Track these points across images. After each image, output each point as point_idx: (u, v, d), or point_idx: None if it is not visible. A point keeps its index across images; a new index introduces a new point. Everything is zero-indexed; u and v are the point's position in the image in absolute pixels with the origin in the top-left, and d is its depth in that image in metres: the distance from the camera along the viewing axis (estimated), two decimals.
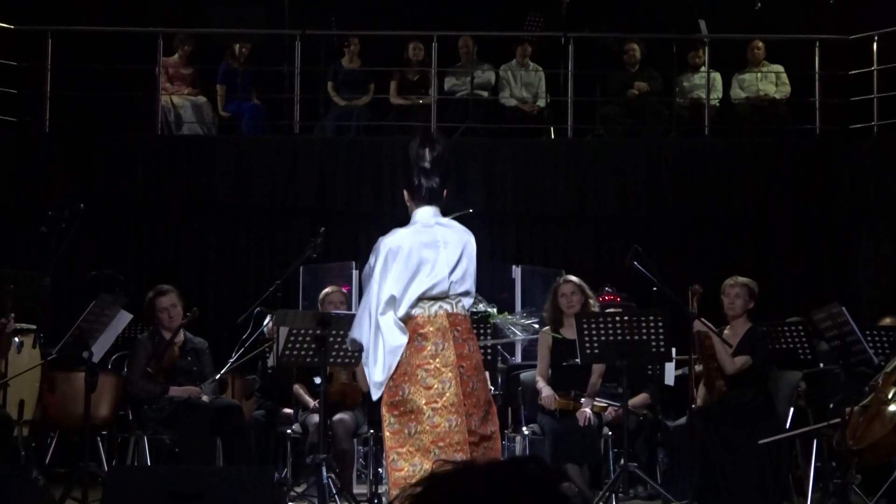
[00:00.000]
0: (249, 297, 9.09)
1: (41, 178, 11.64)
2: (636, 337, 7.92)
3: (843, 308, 7.80)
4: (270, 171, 11.77)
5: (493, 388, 8.67)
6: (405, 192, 5.82)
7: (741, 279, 8.40)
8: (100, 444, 9.21)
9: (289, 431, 8.74)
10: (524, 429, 8.71)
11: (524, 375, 8.96)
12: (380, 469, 8.31)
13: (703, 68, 12.38)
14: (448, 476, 1.43)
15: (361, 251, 10.57)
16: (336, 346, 7.66)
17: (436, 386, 5.29)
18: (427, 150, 5.65)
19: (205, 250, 11.72)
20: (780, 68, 12.47)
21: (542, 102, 12.48)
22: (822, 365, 8.70)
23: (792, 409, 8.39)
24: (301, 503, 7.89)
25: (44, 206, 8.74)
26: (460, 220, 5.82)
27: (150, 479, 5.58)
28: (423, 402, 5.28)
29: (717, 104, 12.37)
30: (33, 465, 7.01)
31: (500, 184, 11.77)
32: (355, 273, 9.90)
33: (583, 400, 8.38)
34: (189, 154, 11.81)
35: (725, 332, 8.32)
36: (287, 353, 7.88)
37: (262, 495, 5.19)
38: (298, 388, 8.58)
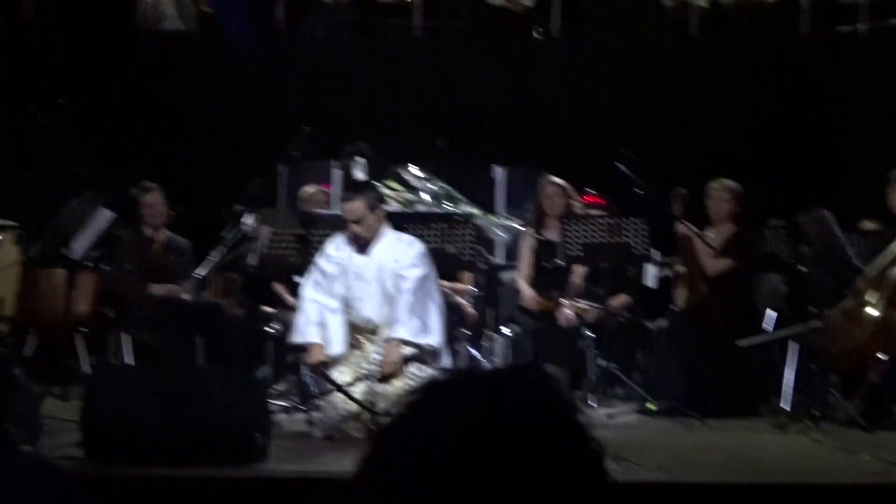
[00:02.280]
0: (232, 195, 9.00)
1: (21, 71, 11.43)
2: (619, 239, 7.91)
3: (827, 212, 7.79)
4: (254, 68, 11.61)
5: (475, 291, 8.69)
6: (382, 207, 6.97)
7: (726, 182, 8.38)
8: (80, 341, 9.17)
9: (269, 329, 8.73)
10: (505, 329, 8.72)
11: (505, 276, 8.96)
12: None
13: None
14: (447, 384, 1.40)
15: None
16: (316, 245, 7.63)
17: None
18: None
19: (188, 148, 11.59)
20: None
21: (529, 1, 12.31)
22: (803, 269, 8.69)
23: (773, 313, 8.41)
24: (282, 401, 7.89)
25: (25, 102, 8.61)
26: None
27: (134, 378, 5.57)
28: None
29: (706, 5, 12.22)
30: (13, 361, 6.99)
31: (484, 83, 11.66)
32: (336, 172, 9.82)
33: (564, 301, 8.38)
34: (171, 51, 11.63)
35: (709, 234, 8.31)
36: (269, 251, 7.86)
37: (244, 395, 5.18)
38: (278, 286, 8.56)
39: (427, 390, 1.39)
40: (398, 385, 6.70)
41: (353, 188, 7.20)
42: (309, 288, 7.09)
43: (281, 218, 8.01)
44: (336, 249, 7.09)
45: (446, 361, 7.09)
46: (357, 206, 6.94)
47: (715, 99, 11.66)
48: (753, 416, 7.70)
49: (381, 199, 7.23)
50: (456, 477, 1.26)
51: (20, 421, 5.27)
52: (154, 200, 8.53)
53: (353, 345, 7.04)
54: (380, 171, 7.18)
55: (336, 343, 6.95)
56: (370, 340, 6.96)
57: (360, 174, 6.97)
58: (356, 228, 6.94)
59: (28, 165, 7.44)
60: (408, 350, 6.82)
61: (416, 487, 1.26)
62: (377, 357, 6.84)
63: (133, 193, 8.57)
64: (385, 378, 6.75)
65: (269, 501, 4.68)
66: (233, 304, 9.35)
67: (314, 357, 6.97)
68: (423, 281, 6.87)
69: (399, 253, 6.95)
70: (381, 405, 6.52)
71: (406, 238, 7.06)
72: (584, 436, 1.38)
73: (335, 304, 6.99)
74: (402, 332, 6.77)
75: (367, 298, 6.98)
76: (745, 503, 4.66)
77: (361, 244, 6.99)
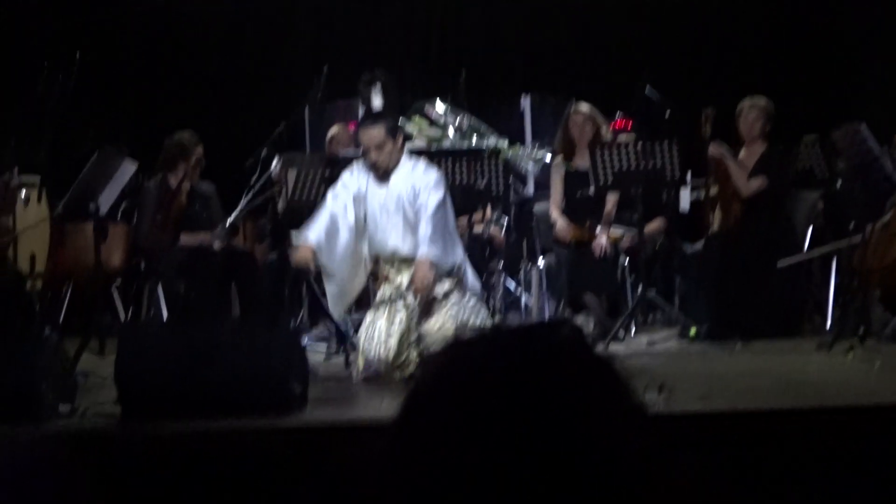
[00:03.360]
0: (258, 141, 8.92)
1: (35, 23, 11.34)
2: (650, 164, 7.79)
3: (863, 126, 7.63)
4: (271, 9, 11.49)
5: (506, 218, 8.60)
6: (401, 135, 6.74)
7: (758, 100, 8.23)
8: (115, 294, 9.17)
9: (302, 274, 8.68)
10: (540, 261, 8.64)
11: (538, 207, 8.86)
12: None
13: None
14: (473, 342, 1.32)
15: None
16: None
17: None
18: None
19: (208, 94, 11.51)
20: None
21: None
22: (840, 184, 8.55)
23: (810, 230, 8.29)
24: (318, 344, 7.86)
25: (41, 57, 8.52)
26: None
27: (164, 332, 5.53)
28: None
29: None
30: (46, 321, 6.97)
31: (504, 9, 11.48)
32: (361, 110, 9.72)
33: (598, 229, 8.28)
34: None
35: (741, 154, 8.19)
36: (296, 195, 7.78)
37: (277, 343, 5.13)
38: None
39: (452, 350, 1.33)
40: (439, 321, 6.58)
41: (372, 115, 6.98)
42: (329, 197, 6.97)
43: (307, 161, 7.92)
44: (352, 176, 6.93)
45: (477, 288, 6.94)
46: (376, 132, 6.74)
47: (742, 12, 11.44)
48: (796, 337, 7.60)
49: (400, 126, 7.00)
50: (485, 438, 1.19)
51: (56, 381, 5.25)
52: (201, 153, 8.47)
53: (380, 276, 6.94)
54: (398, 98, 6.98)
55: (340, 260, 6.83)
56: (399, 270, 6.81)
57: (378, 102, 6.77)
58: (375, 155, 6.73)
59: (47, 121, 7.35)
60: (441, 288, 6.71)
61: (445, 450, 1.20)
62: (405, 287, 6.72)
63: (172, 143, 8.47)
64: (424, 310, 6.62)
65: (309, 450, 4.64)
66: (264, 249, 9.30)
67: (300, 256, 6.83)
68: (441, 206, 6.70)
69: (416, 180, 6.76)
70: (427, 343, 6.43)
71: (421, 165, 6.89)
72: (622, 389, 1.31)
73: (351, 220, 6.85)
74: (427, 253, 6.61)
75: (391, 228, 6.80)
76: (791, 429, 4.58)
77: (380, 173, 6.81)
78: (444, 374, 1.27)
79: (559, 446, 1.19)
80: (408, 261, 6.75)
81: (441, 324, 6.54)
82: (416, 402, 1.26)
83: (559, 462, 1.18)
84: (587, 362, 1.29)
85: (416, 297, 6.62)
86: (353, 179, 6.91)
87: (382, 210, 6.82)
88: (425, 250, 6.60)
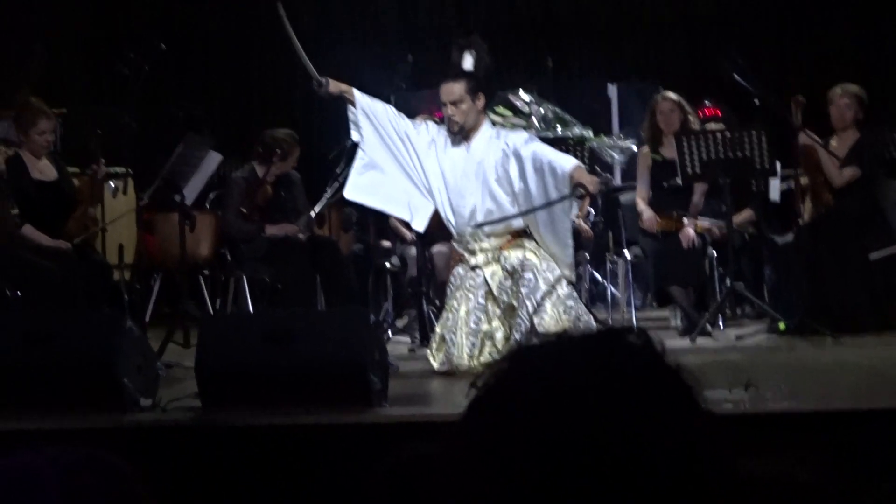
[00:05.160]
0: (342, 128, 8.92)
1: (121, 11, 11.45)
2: (739, 153, 7.66)
3: None
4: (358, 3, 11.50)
5: (592, 212, 8.50)
6: (484, 98, 6.56)
7: (850, 87, 8.05)
8: (202, 283, 9.24)
9: (388, 265, 8.68)
10: (626, 252, 8.55)
11: (624, 198, 8.76)
12: None
13: None
14: (537, 350, 1.29)
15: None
16: None
17: None
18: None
19: (292, 81, 11.53)
20: None
21: None
22: None
23: None
24: (403, 336, 7.84)
25: (126, 43, 8.58)
26: None
27: (243, 325, 5.53)
28: None
29: None
30: (127, 313, 7.02)
31: None
32: None
33: (685, 220, 8.15)
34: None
35: (832, 142, 8.02)
36: None
37: (358, 337, 5.09)
38: (395, 221, 8.47)
39: (516, 357, 1.30)
40: (554, 316, 6.35)
41: (456, 73, 6.69)
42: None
43: None
44: (430, 130, 6.74)
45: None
46: (456, 87, 6.53)
47: None
48: (889, 331, 7.42)
49: (484, 90, 6.70)
50: (547, 445, 1.17)
51: (137, 373, 5.27)
52: (297, 153, 8.51)
53: (454, 255, 6.83)
54: (489, 66, 6.81)
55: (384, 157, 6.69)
56: (477, 239, 6.61)
57: (468, 63, 6.62)
58: (451, 110, 6.52)
59: (130, 110, 7.39)
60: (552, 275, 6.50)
61: (506, 455, 1.18)
62: (479, 270, 6.55)
63: (273, 138, 8.50)
64: (538, 305, 6.41)
65: (388, 445, 4.61)
66: (349, 239, 9.31)
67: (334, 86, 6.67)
68: (540, 157, 6.42)
69: (508, 141, 6.54)
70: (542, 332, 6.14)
71: (506, 131, 6.75)
72: (693, 401, 1.25)
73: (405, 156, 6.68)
74: (573, 161, 6.41)
75: (469, 194, 6.55)
76: (885, 429, 4.44)
77: (455, 129, 6.57)
78: (508, 379, 1.24)
79: (624, 455, 1.16)
80: (485, 232, 6.58)
81: (557, 319, 6.37)
82: (479, 406, 1.23)
83: (623, 470, 1.16)
84: (654, 370, 1.26)
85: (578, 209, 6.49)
86: (435, 131, 6.74)
87: (462, 174, 6.60)
88: (570, 162, 6.41)
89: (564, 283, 6.48)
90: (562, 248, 6.53)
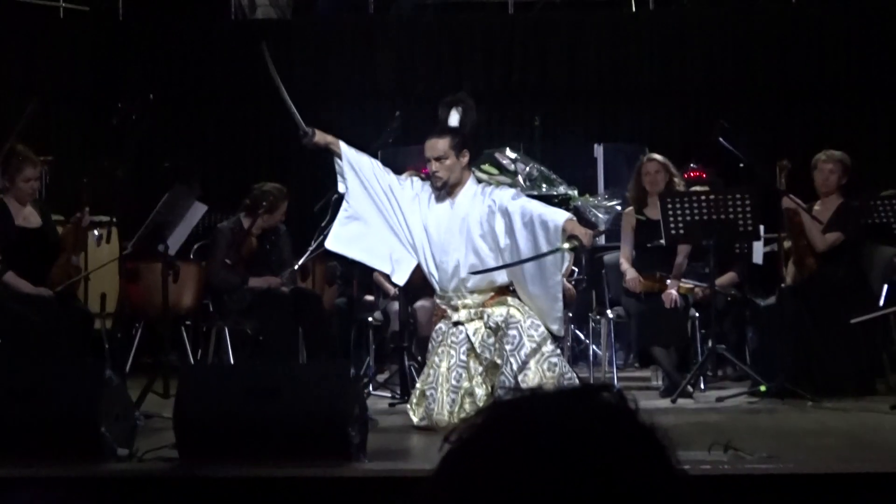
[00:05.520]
0: (328, 182, 8.94)
1: (116, 67, 11.55)
2: (723, 216, 7.68)
3: None
4: (347, 54, 11.57)
5: (576, 271, 8.51)
6: (468, 154, 6.57)
7: (835, 153, 8.10)
8: (184, 334, 9.22)
9: (370, 319, 8.68)
10: (609, 312, 8.55)
11: (608, 257, 8.77)
12: None
13: None
14: (512, 404, 1.29)
15: None
16: None
17: None
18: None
19: (281, 135, 11.58)
20: None
21: None
22: None
23: (886, 286, 8.12)
24: (384, 391, 7.82)
25: (119, 96, 8.63)
26: None
27: (224, 376, 5.51)
28: None
29: None
30: (107, 363, 7.00)
31: (581, 59, 11.46)
32: None
33: (668, 281, 8.17)
34: (264, 39, 11.60)
35: (816, 207, 8.06)
36: None
37: (339, 391, 5.08)
38: (379, 276, 8.48)
39: (491, 411, 1.30)
40: (537, 375, 6.30)
41: (441, 129, 6.67)
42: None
43: None
44: (414, 186, 6.72)
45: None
46: (440, 143, 6.52)
47: (818, 66, 11.33)
48: (870, 395, 7.43)
49: (469, 147, 6.68)
50: (519, 501, 1.17)
51: (115, 423, 5.24)
52: (286, 207, 8.52)
53: (437, 310, 6.81)
54: (476, 123, 6.83)
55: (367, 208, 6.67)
56: (460, 296, 6.58)
57: (454, 120, 6.62)
58: (435, 166, 6.50)
59: (119, 161, 7.41)
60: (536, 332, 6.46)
61: None
62: (464, 326, 6.52)
63: (262, 192, 8.51)
64: (523, 363, 6.36)
65: (366, 500, 4.58)
66: (333, 293, 9.30)
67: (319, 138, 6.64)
68: (530, 212, 6.38)
69: (490, 196, 6.52)
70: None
71: (491, 187, 6.70)
72: (666, 461, 1.26)
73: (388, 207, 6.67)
74: (564, 215, 6.39)
75: (453, 249, 6.51)
76: (864, 493, 4.44)
77: (438, 185, 6.56)
78: (481, 434, 1.24)
79: None
80: (468, 288, 6.56)
81: (541, 376, 6.33)
82: (452, 460, 1.23)
83: None
84: (627, 428, 1.26)
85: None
86: (419, 186, 6.74)
87: (446, 230, 6.56)
88: (562, 215, 6.38)
89: (549, 340, 6.45)
90: (551, 303, 6.50)
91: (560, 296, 6.53)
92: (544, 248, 6.29)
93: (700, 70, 11.36)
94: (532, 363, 6.35)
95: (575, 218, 6.46)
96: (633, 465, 1.21)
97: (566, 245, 6.16)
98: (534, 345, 6.38)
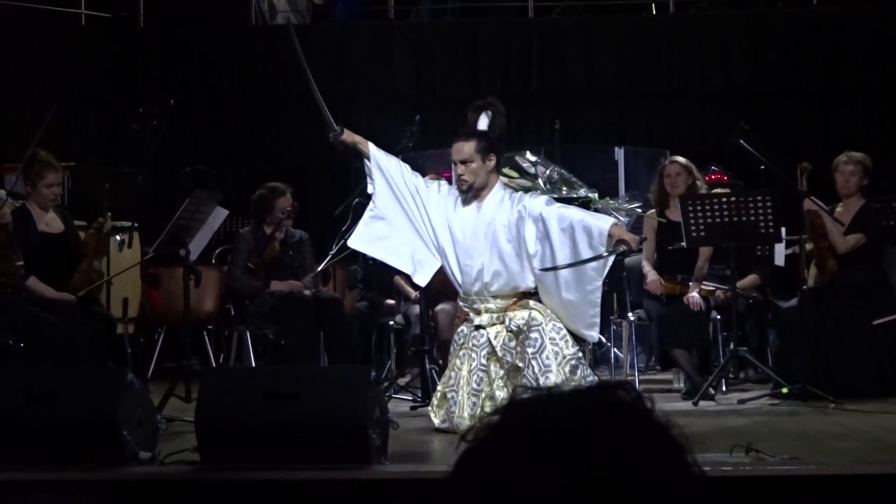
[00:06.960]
0: (348, 187, 8.96)
1: (137, 73, 11.60)
2: (744, 218, 7.67)
3: None
4: (366, 59, 11.60)
5: None
6: (495, 158, 6.58)
7: (855, 155, 8.08)
8: (206, 338, 9.25)
9: (391, 323, 8.69)
10: (630, 315, 8.54)
11: (629, 260, 8.74)
12: None
13: None
14: (528, 403, 1.29)
15: None
16: None
17: None
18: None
19: (301, 141, 11.62)
20: None
21: None
22: None
23: None
24: (405, 394, 7.83)
25: (139, 102, 8.67)
26: None
27: (245, 380, 5.52)
28: None
29: None
30: (129, 367, 7.02)
31: (600, 62, 11.46)
32: None
33: (690, 284, 8.16)
34: (284, 44, 11.64)
35: (837, 209, 8.04)
36: None
37: (359, 394, 5.09)
38: (399, 279, 8.49)
39: (507, 410, 1.30)
40: (560, 376, 6.27)
41: (468, 132, 6.67)
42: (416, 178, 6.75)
43: None
44: (441, 189, 6.70)
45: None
46: (466, 146, 6.50)
47: (839, 67, 11.29)
48: (891, 398, 7.40)
49: (496, 151, 6.66)
50: (535, 500, 1.17)
51: (137, 427, 5.26)
52: (288, 203, 8.48)
53: (460, 314, 6.80)
54: (504, 129, 6.84)
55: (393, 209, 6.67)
56: (483, 300, 6.56)
57: (483, 124, 6.61)
58: (461, 169, 6.48)
59: (140, 166, 7.44)
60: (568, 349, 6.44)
61: None
62: (487, 329, 6.50)
63: (263, 193, 8.53)
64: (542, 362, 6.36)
65: (386, 502, 4.59)
66: (354, 297, 9.32)
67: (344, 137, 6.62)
68: (569, 218, 6.38)
69: (521, 203, 6.49)
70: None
71: (519, 194, 6.69)
72: (682, 459, 1.26)
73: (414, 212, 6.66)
74: (609, 220, 6.42)
75: (478, 254, 6.49)
76: (886, 495, 4.42)
77: (464, 188, 6.54)
78: (498, 433, 1.25)
79: None
80: (491, 293, 6.54)
81: (563, 379, 6.32)
82: (469, 459, 1.24)
83: None
84: (643, 426, 1.25)
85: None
86: (446, 190, 6.72)
87: (471, 234, 6.54)
88: (606, 220, 6.41)
89: (571, 343, 6.45)
90: (587, 308, 6.49)
91: (598, 301, 6.52)
92: (585, 253, 6.30)
93: (720, 73, 11.34)
94: (554, 366, 6.34)
95: (618, 223, 6.48)
96: (648, 463, 1.21)
97: (620, 248, 6.19)
98: (556, 347, 6.37)
